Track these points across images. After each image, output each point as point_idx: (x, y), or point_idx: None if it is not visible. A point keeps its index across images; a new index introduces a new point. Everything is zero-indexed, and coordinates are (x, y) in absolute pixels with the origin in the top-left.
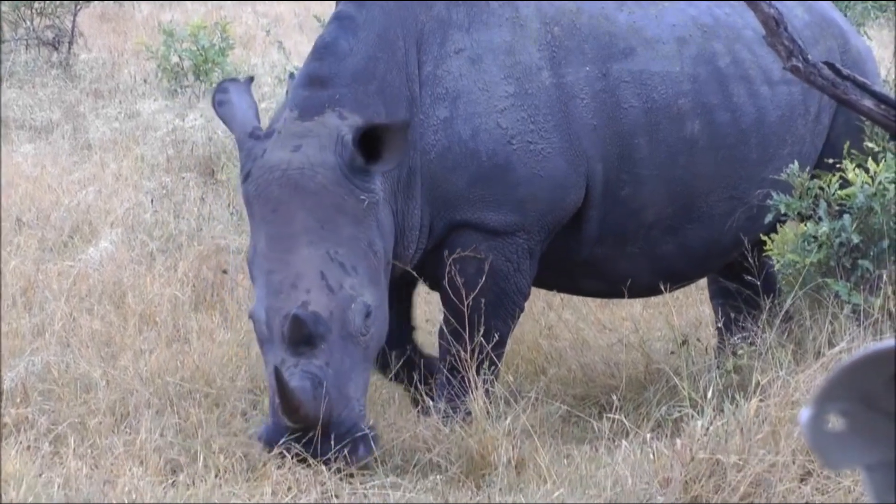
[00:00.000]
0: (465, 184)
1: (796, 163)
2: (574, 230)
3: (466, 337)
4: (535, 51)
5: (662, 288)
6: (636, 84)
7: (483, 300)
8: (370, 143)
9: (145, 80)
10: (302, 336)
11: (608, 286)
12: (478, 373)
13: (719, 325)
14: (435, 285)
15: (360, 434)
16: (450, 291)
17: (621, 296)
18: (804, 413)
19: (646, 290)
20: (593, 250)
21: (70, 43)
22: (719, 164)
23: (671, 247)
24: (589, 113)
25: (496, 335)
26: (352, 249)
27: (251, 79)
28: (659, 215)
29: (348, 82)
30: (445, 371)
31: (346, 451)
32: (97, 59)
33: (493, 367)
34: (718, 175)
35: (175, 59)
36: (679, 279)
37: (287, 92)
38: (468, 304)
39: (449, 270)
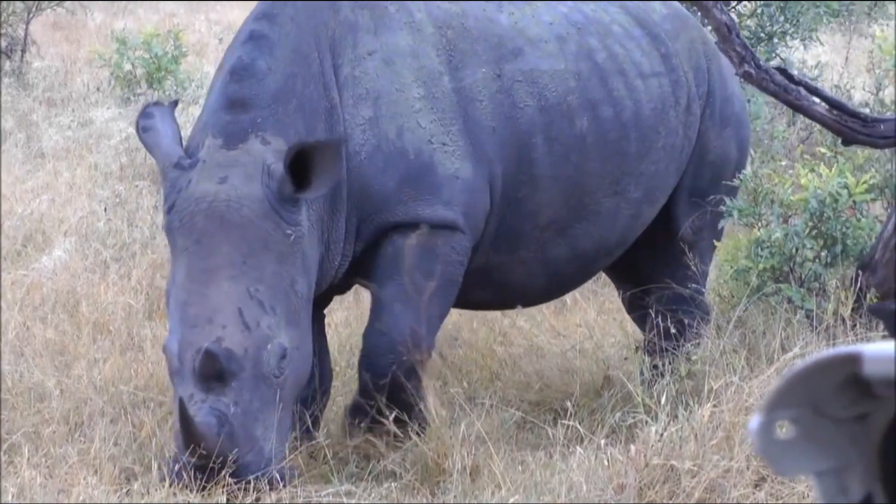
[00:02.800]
0: (395, 184)
1: (749, 168)
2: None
3: (423, 332)
4: (434, 55)
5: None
6: (528, 83)
7: (433, 291)
8: (299, 167)
9: (98, 89)
10: (213, 371)
11: (499, 296)
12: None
13: (650, 335)
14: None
15: (271, 475)
16: (398, 288)
17: (511, 306)
18: (754, 420)
19: (537, 297)
20: (488, 258)
21: (22, 51)
22: (605, 159)
23: (563, 249)
24: (487, 115)
25: (435, 324)
26: (272, 288)
27: (175, 103)
28: (552, 217)
29: (269, 103)
30: (401, 380)
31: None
32: (50, 68)
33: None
34: (604, 171)
35: (128, 66)
36: (568, 284)
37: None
38: (424, 297)
39: (389, 257)
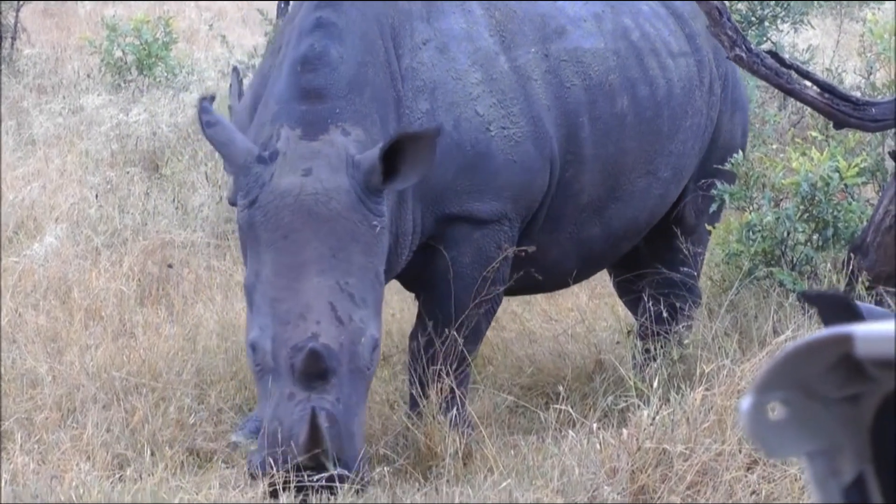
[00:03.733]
0: (451, 175)
1: (740, 152)
2: (531, 218)
3: (455, 330)
4: (488, 36)
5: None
6: (573, 62)
7: (475, 289)
8: (387, 158)
9: (89, 75)
10: (317, 370)
11: (530, 280)
12: (460, 365)
13: (641, 319)
14: (409, 284)
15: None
16: (441, 287)
17: (540, 290)
18: (744, 402)
19: (567, 279)
20: (530, 241)
21: (13, 38)
22: (641, 138)
23: (597, 230)
24: (542, 94)
25: (483, 326)
26: (362, 280)
27: (213, 98)
28: (592, 197)
29: (345, 93)
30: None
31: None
32: (40, 55)
33: (472, 359)
34: (640, 150)
35: (118, 53)
36: (599, 264)
37: (230, 87)
38: (461, 296)
39: (444, 263)
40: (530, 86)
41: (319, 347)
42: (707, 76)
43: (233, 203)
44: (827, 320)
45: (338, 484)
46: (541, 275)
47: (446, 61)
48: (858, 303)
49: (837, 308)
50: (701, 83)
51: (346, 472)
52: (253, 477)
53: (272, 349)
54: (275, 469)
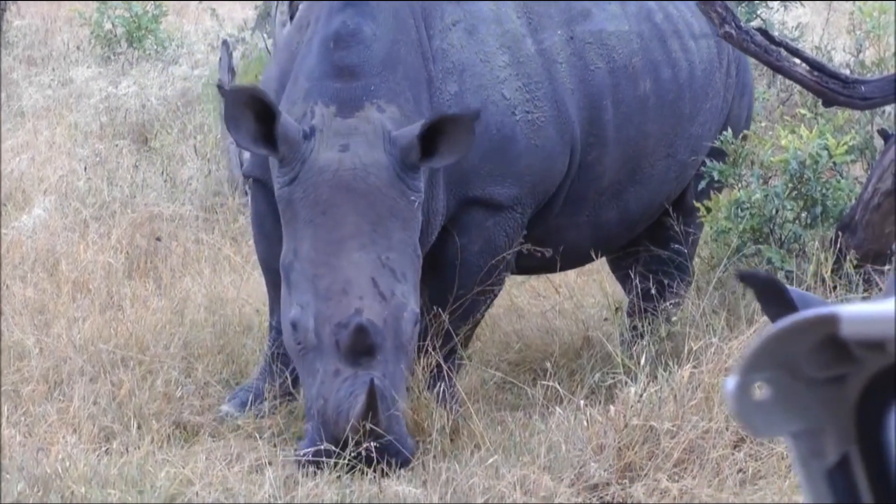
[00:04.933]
0: (477, 159)
1: (730, 130)
2: (548, 202)
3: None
4: (516, 17)
5: (593, 256)
6: (598, 45)
7: (479, 277)
8: (425, 136)
9: (78, 48)
10: (364, 346)
11: (547, 260)
12: (449, 342)
13: (631, 295)
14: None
15: (404, 446)
16: (448, 270)
17: (554, 270)
18: (729, 381)
19: (582, 259)
20: (548, 223)
21: (2, 10)
22: (663, 121)
23: (614, 213)
24: (567, 77)
25: (482, 311)
26: (401, 254)
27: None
28: (612, 180)
29: (379, 70)
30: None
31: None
32: (30, 26)
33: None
34: (661, 133)
35: (108, 26)
36: (613, 246)
37: (220, 60)
38: (465, 283)
39: (453, 248)
40: (555, 69)
41: (365, 323)
42: (725, 58)
43: (248, 176)
44: (762, 301)
45: (392, 460)
46: (557, 257)
47: (475, 43)
48: (791, 288)
49: (770, 291)
50: (720, 65)
51: (403, 450)
52: (300, 465)
53: (314, 326)
54: (320, 443)
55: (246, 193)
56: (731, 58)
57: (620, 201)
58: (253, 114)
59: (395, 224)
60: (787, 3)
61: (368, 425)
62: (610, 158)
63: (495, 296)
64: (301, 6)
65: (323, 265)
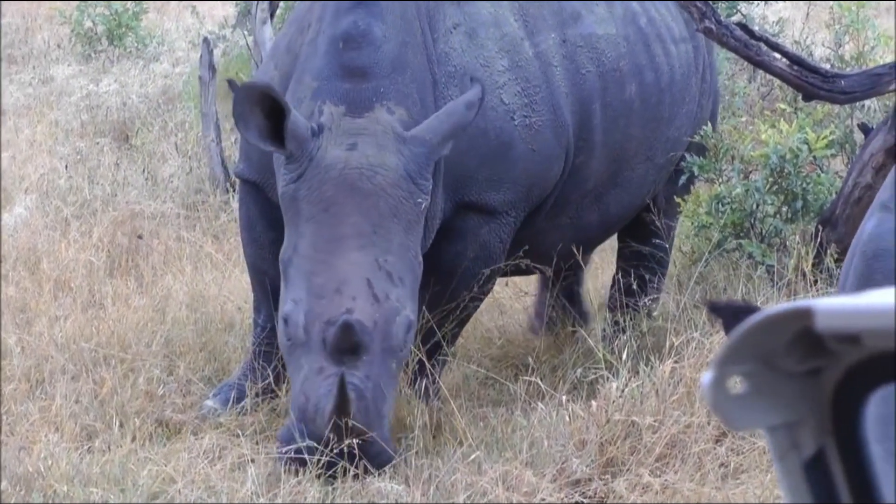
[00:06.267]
0: (475, 164)
1: (710, 124)
2: (538, 206)
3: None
4: (513, 20)
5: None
6: (588, 48)
7: (474, 283)
8: None
9: (59, 45)
10: (349, 344)
11: (530, 261)
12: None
13: (612, 290)
14: None
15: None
16: (443, 276)
17: (532, 272)
18: (706, 375)
19: (558, 260)
20: (535, 225)
21: None
22: (644, 125)
23: (595, 215)
24: (561, 81)
25: (471, 314)
26: (400, 258)
27: None
28: (596, 183)
29: (389, 72)
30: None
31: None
32: (10, 25)
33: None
34: (643, 137)
35: (88, 23)
36: (591, 248)
37: (201, 57)
38: (458, 289)
39: (448, 254)
40: (551, 72)
41: (353, 321)
42: (701, 63)
43: (239, 177)
44: (729, 330)
45: (367, 461)
46: (534, 259)
47: (475, 47)
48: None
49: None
50: (697, 69)
51: (383, 453)
52: (283, 462)
53: (304, 323)
54: (299, 440)
55: (227, 192)
56: (707, 62)
57: (601, 204)
58: (262, 110)
59: (398, 227)
60: None
61: (349, 424)
62: (596, 162)
63: (485, 297)
64: (297, 8)
65: (320, 262)
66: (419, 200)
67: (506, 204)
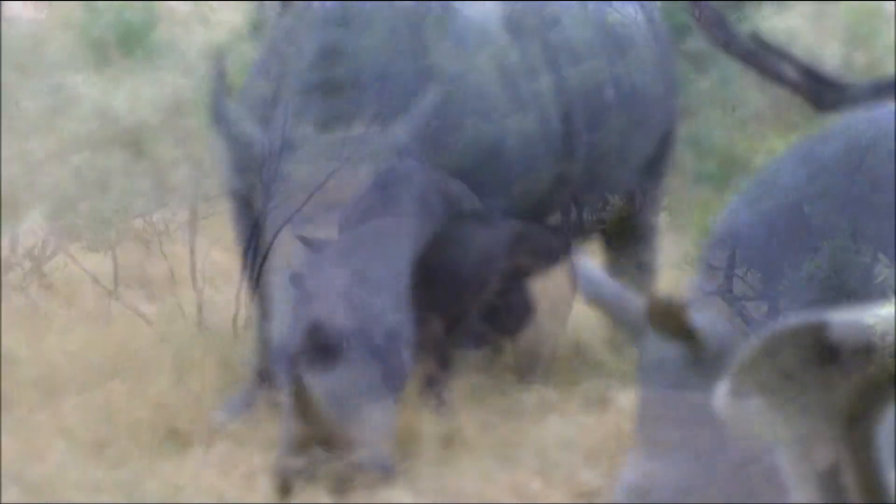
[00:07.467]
0: (469, 172)
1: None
2: None
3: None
4: (500, 26)
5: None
6: (568, 53)
7: (473, 289)
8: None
9: (70, 54)
10: (320, 346)
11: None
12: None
13: None
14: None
15: (375, 463)
16: (442, 283)
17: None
18: (721, 386)
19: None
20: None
21: None
22: (619, 133)
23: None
24: (547, 87)
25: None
26: (386, 268)
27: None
28: (574, 189)
29: (370, 84)
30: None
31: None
32: (21, 33)
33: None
34: (618, 143)
35: (99, 33)
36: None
37: (212, 67)
38: (459, 295)
39: (447, 262)
40: (537, 78)
41: (327, 325)
42: (670, 68)
43: (230, 193)
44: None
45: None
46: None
47: (464, 56)
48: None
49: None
50: (664, 75)
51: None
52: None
53: (287, 330)
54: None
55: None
56: (674, 70)
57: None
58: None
59: (382, 237)
60: (778, 7)
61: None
62: (575, 167)
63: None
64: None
65: (304, 271)
66: (404, 208)
67: (499, 209)
